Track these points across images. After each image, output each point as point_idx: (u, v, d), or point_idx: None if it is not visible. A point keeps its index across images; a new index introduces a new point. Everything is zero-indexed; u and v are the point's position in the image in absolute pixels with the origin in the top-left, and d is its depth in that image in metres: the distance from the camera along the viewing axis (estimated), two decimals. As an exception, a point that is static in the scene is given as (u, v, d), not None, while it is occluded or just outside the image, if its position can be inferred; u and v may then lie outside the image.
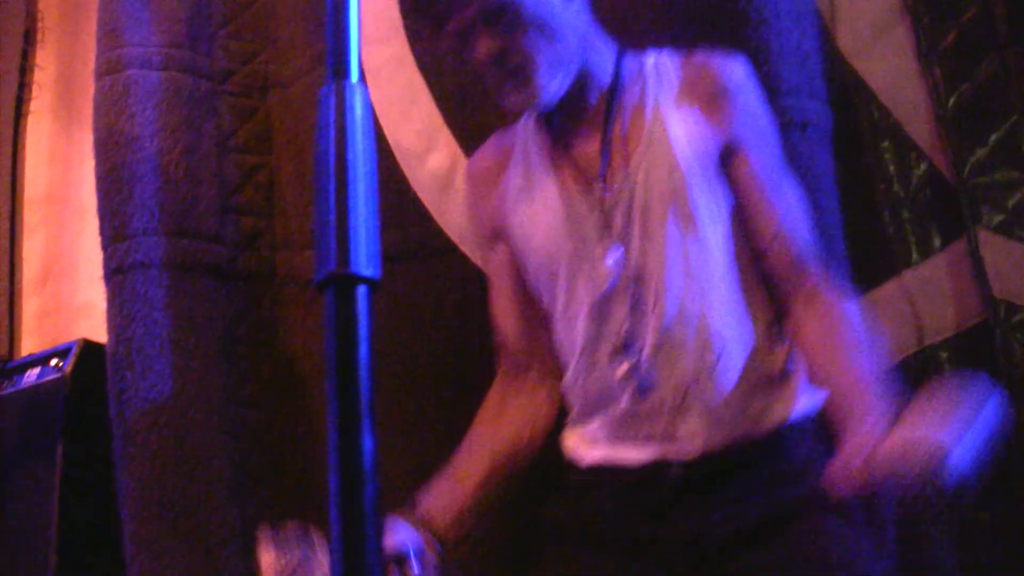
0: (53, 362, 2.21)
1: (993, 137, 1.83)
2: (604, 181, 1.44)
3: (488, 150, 1.62)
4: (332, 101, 0.87)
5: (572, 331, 1.48)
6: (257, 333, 2.06)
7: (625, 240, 1.42)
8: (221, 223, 2.07)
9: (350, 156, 0.85)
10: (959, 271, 1.83)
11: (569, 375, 1.51)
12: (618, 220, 1.42)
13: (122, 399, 1.91)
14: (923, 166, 1.88)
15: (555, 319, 1.51)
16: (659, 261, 1.40)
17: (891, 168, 1.90)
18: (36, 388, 2.21)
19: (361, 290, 0.84)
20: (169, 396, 1.93)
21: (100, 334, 2.05)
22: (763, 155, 1.47)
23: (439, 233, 1.99)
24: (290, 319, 2.07)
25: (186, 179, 2.05)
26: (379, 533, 0.81)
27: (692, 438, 1.40)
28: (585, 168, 1.47)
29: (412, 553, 1.42)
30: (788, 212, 1.46)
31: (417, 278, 1.98)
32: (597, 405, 1.48)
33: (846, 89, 1.92)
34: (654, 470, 1.42)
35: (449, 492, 1.52)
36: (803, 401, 1.44)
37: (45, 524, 2.04)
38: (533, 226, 1.50)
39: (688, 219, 1.40)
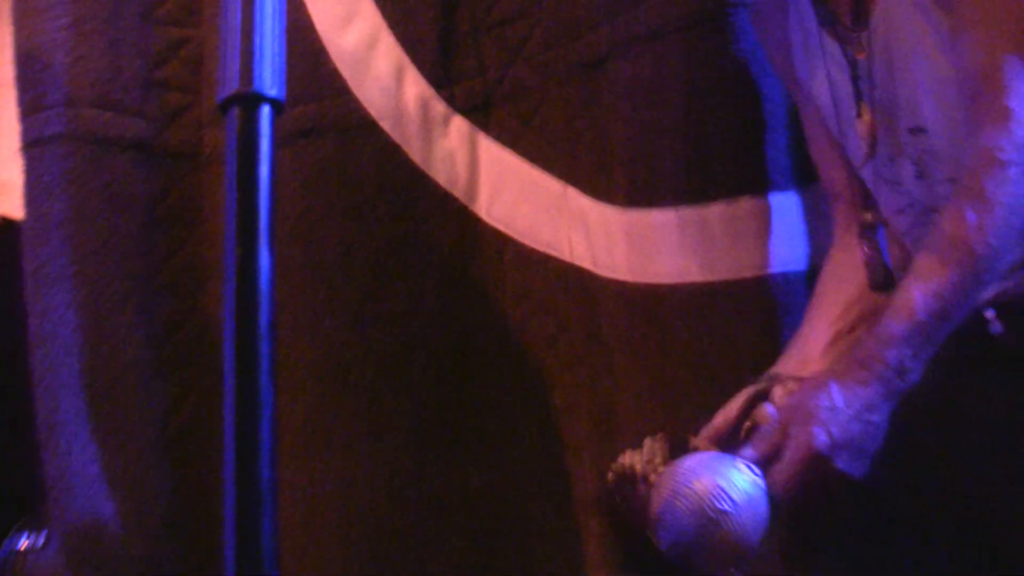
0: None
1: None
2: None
3: None
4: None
5: None
6: (178, 213, 1.97)
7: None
8: (144, 97, 1.97)
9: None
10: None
11: None
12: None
13: (38, 276, 1.85)
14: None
15: None
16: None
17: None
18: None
19: (264, 111, 0.84)
20: (86, 274, 1.86)
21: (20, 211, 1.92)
22: None
23: (357, 108, 1.88)
24: (214, 201, 1.98)
25: (107, 50, 1.94)
26: (273, 356, 0.80)
27: None
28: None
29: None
30: None
31: (331, 154, 1.87)
32: None
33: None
34: None
35: (798, 351, 1.36)
36: None
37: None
38: None
39: None
